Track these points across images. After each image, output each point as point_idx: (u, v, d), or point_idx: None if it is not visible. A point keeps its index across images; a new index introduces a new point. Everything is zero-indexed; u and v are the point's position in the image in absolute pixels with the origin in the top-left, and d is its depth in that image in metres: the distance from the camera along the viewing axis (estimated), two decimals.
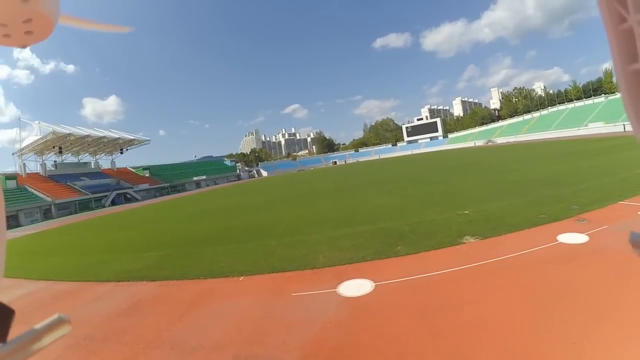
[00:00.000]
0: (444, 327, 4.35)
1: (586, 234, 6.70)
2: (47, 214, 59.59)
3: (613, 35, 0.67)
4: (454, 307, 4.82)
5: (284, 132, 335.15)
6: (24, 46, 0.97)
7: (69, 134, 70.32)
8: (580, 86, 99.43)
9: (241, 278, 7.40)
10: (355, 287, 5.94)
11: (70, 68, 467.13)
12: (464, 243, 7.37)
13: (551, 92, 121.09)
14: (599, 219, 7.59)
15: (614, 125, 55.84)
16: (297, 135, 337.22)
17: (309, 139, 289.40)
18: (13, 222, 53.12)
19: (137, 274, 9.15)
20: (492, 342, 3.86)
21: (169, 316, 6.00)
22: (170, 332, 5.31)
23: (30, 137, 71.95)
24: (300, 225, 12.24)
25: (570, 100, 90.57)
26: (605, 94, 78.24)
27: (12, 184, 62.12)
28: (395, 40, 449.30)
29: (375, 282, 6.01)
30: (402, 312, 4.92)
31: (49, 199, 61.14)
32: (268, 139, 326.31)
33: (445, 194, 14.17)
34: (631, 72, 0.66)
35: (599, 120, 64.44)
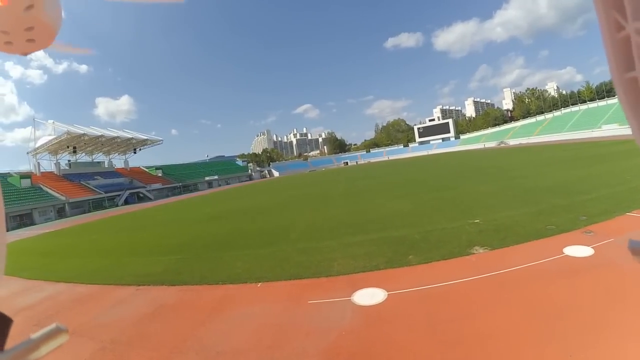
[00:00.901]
0: (452, 337, 4.63)
1: (592, 247, 6.89)
2: (60, 213, 60.64)
3: (610, 43, 0.68)
4: (462, 318, 5.09)
5: (295, 132, 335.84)
6: (25, 54, 1.02)
7: (83, 134, 71.73)
8: (594, 87, 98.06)
9: (259, 284, 7.75)
10: (369, 296, 6.24)
11: (83, 68, 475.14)
12: (473, 254, 7.62)
13: (564, 92, 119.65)
14: (606, 231, 7.75)
15: (628, 128, 55.10)
16: (309, 135, 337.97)
17: (320, 139, 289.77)
18: (27, 220, 54.36)
19: (157, 278, 9.46)
20: (497, 354, 4.15)
21: (192, 321, 6.34)
22: (195, 338, 5.65)
23: (45, 136, 73.35)
24: (314, 231, 12.55)
25: (584, 102, 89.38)
26: None
27: (26, 182, 63.15)
28: (407, 39, 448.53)
29: (388, 292, 6.30)
30: (413, 321, 5.22)
31: (63, 198, 62.21)
32: (279, 139, 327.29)
33: (456, 200, 14.38)
34: (628, 80, 0.67)
35: (613, 122, 63.63)
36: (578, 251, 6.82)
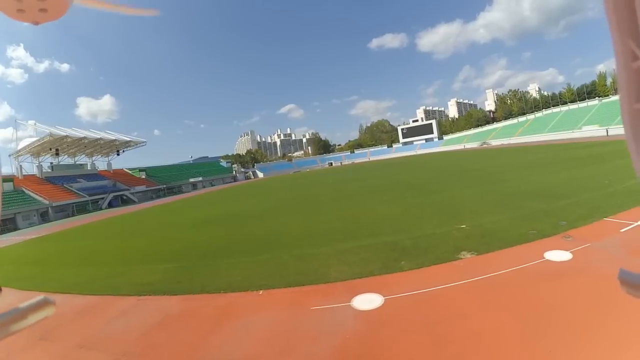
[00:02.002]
0: (444, 337, 5.14)
1: (570, 252, 7.46)
2: (44, 217, 59.47)
3: (624, 73, 0.68)
4: (453, 319, 5.60)
5: (279, 132, 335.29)
6: (37, 23, 1.01)
7: (66, 136, 70.63)
8: (575, 89, 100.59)
9: (260, 292, 8.11)
10: (367, 301, 6.69)
11: (65, 67, 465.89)
12: (461, 259, 8.15)
13: (546, 94, 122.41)
14: (584, 236, 8.34)
15: (608, 128, 56.88)
16: (293, 135, 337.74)
17: (304, 140, 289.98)
18: (11, 225, 52.84)
19: (157, 288, 9.60)
20: (485, 351, 4.67)
21: (200, 331, 6.65)
22: (206, 347, 5.99)
23: (27, 138, 71.93)
24: (307, 237, 12.93)
25: (565, 103, 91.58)
26: (599, 97, 79.37)
27: (8, 186, 61.68)
28: (391, 40, 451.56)
29: (384, 297, 6.76)
30: (410, 324, 5.70)
31: (46, 202, 61.08)
32: (263, 139, 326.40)
33: (442, 205, 14.97)
34: (637, 110, 0.67)
35: (594, 123, 65.42)
36: (558, 256, 7.38)
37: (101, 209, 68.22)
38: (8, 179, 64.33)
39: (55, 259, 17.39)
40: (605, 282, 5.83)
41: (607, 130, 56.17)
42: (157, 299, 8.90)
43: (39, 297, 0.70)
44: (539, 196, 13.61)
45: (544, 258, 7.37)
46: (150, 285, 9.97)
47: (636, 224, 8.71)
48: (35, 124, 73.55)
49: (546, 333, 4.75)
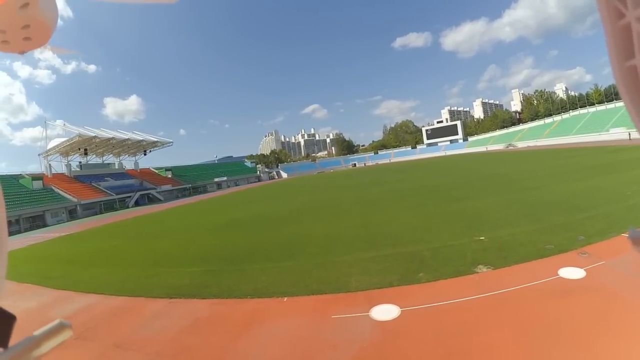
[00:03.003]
0: (457, 350, 5.49)
1: (584, 269, 7.62)
2: (72, 214, 62.07)
3: (611, 31, 0.68)
4: (466, 333, 5.94)
5: (303, 132, 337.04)
6: (22, 52, 1.02)
7: (95, 137, 73.17)
8: (602, 90, 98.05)
9: (285, 299, 8.62)
10: (385, 312, 7.10)
11: (92, 68, 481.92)
12: (477, 272, 8.44)
13: (573, 94, 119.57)
14: (599, 253, 8.44)
15: (630, 132, 55.52)
16: (317, 136, 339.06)
17: (328, 140, 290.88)
18: (40, 222, 55.81)
19: (187, 291, 10.14)
20: None
21: (229, 334, 7.18)
22: (235, 350, 6.51)
23: (56, 138, 74.84)
24: (330, 244, 13.37)
25: (592, 104, 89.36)
26: None
27: (38, 184, 64.82)
28: (415, 39, 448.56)
29: (401, 308, 7.14)
30: (424, 336, 6.07)
31: (74, 200, 63.65)
32: (287, 139, 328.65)
33: (464, 214, 15.17)
34: (628, 68, 0.67)
35: (621, 126, 63.79)
36: (571, 273, 7.54)
37: (128, 207, 70.43)
38: (38, 177, 67.06)
39: (86, 259, 18.08)
40: (613, 301, 6.10)
41: (629, 134, 54.83)
42: (187, 302, 9.41)
43: (54, 321, 0.69)
44: (560, 207, 13.63)
45: (557, 275, 7.55)
46: (180, 288, 10.50)
47: None
48: (64, 124, 76.53)
49: (551, 350, 5.06)
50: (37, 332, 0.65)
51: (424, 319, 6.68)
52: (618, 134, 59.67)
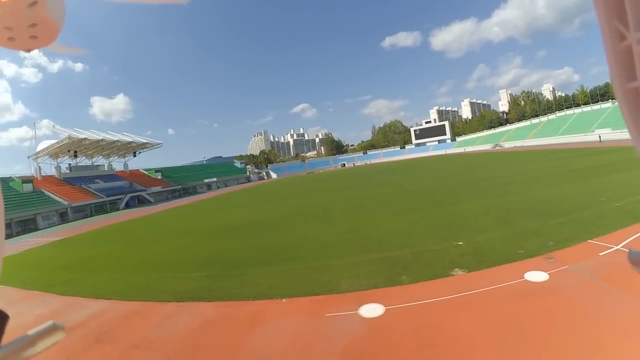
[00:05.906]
0: (431, 341, 6.62)
1: (548, 273, 8.48)
2: (63, 217, 61.69)
3: (612, 53, 0.69)
4: (439, 328, 7.02)
5: (292, 132, 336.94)
6: (28, 50, 1.06)
7: (84, 138, 73.02)
8: (588, 91, 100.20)
9: (284, 300, 9.58)
10: (371, 310, 8.13)
11: (79, 66, 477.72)
12: (453, 275, 9.46)
13: (560, 94, 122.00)
14: (564, 258, 9.21)
15: (621, 132, 57.11)
16: (306, 135, 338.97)
17: (317, 140, 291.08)
18: (31, 225, 54.99)
19: (194, 295, 10.84)
20: (461, 353, 6.12)
21: (236, 333, 8.10)
22: (243, 346, 7.47)
23: (45, 140, 74.54)
24: (321, 249, 14.31)
25: (578, 105, 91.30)
26: (612, 99, 79.16)
27: (28, 187, 64.22)
28: (404, 39, 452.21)
29: (385, 307, 8.18)
30: (404, 330, 7.15)
31: (65, 203, 63.33)
32: (276, 139, 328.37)
33: (445, 219, 16.22)
34: (630, 90, 0.68)
35: (606, 127, 65.61)
36: (535, 276, 8.43)
37: (119, 209, 70.23)
38: (28, 179, 66.32)
39: (86, 265, 18.33)
40: (567, 302, 7.18)
41: (599, 136, 57.09)
42: (194, 305, 10.18)
43: (47, 322, 0.71)
44: (534, 213, 14.56)
45: (523, 278, 8.47)
46: (187, 292, 11.21)
47: (615, 247, 9.39)
48: (54, 126, 76.15)
49: (507, 343, 6.15)
50: (30, 332, 0.68)
51: (405, 316, 7.74)
52: (603, 134, 61.51)
